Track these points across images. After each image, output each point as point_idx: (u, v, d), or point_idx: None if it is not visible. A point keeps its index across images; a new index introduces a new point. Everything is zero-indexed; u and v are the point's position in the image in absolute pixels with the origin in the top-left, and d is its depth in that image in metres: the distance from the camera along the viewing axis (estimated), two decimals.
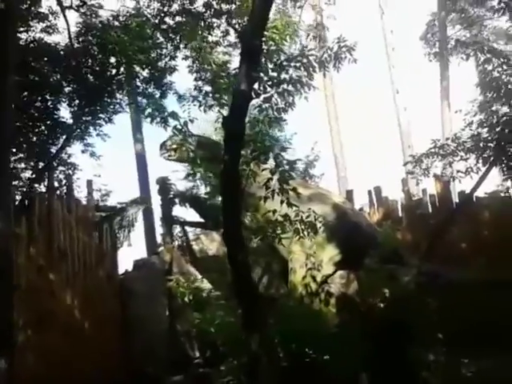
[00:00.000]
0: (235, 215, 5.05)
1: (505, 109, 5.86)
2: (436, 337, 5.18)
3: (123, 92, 9.17)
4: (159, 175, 8.95)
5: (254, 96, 4.82)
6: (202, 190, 8.79)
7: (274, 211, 6.36)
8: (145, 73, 9.52)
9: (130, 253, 9.91)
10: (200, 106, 7.06)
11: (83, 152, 9.79)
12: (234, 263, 5.26)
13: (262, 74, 4.89)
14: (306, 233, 6.11)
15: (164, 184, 8.43)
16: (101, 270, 7.87)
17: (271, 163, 5.91)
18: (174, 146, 8.52)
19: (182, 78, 10.28)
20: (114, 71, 8.83)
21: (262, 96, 5.04)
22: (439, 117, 16.10)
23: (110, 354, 7.55)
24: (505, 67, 5.79)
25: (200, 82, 8.87)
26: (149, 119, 5.33)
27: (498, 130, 5.76)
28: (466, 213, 8.66)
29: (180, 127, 5.00)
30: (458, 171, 6.27)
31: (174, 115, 4.99)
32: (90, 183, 8.08)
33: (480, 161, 5.87)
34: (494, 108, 5.90)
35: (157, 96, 9.30)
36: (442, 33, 16.25)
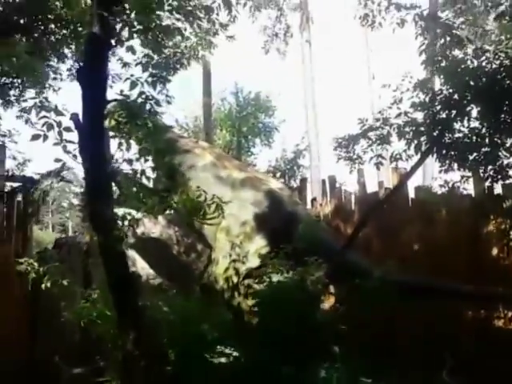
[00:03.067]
0: (100, 187, 4.24)
1: (445, 88, 4.96)
2: (332, 351, 4.39)
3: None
4: None
5: (113, 43, 4.00)
6: None
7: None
8: None
9: None
10: None
11: (18, 118, 9.05)
12: (101, 248, 4.49)
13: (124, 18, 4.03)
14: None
15: None
16: (6, 247, 7.14)
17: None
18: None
19: None
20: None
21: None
22: None
23: (11, 345, 6.86)
24: (448, 38, 4.90)
25: None
26: None
27: (432, 111, 4.87)
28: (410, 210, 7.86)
29: None
30: (378, 156, 5.37)
31: None
32: (2, 148, 7.32)
33: (411, 147, 5.01)
34: (431, 86, 5.00)
35: None
36: None
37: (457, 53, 4.92)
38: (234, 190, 7.15)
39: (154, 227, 10.36)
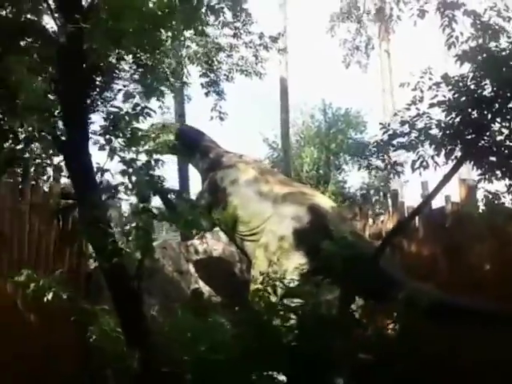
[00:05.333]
0: (90, 203, 4.17)
1: (473, 84, 4.24)
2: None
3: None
4: None
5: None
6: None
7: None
8: None
9: None
10: None
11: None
12: (99, 264, 4.43)
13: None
14: None
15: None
16: (60, 262, 7.41)
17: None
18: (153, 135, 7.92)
19: None
20: None
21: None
22: None
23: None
24: (479, 31, 4.20)
25: None
26: None
27: (461, 111, 4.17)
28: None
29: None
30: (394, 163, 4.68)
31: None
32: (58, 168, 7.67)
33: (441, 154, 4.33)
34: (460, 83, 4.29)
35: None
36: None
37: (491, 44, 4.23)
38: (275, 206, 6.86)
39: (216, 244, 10.33)
